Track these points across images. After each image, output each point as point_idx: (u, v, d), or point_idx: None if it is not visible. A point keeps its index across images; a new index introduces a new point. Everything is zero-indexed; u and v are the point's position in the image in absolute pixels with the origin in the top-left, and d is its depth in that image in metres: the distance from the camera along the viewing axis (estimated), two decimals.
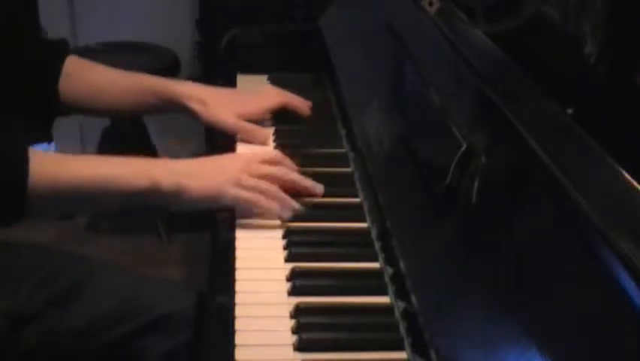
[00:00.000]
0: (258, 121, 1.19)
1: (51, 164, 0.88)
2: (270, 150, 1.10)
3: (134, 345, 1.04)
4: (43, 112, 1.14)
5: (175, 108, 1.16)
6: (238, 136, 1.16)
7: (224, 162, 0.97)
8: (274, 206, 0.93)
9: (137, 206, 0.96)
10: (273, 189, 0.94)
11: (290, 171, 0.99)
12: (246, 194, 0.92)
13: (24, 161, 0.84)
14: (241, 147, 1.14)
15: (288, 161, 1.01)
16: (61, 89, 1.12)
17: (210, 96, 1.15)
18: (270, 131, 1.19)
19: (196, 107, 1.14)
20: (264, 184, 0.93)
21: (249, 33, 1.52)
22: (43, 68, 1.12)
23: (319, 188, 1.00)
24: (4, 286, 1.01)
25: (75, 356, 1.03)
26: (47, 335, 1.01)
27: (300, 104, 1.23)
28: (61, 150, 2.83)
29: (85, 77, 1.14)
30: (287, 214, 0.94)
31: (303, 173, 1.10)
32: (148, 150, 2.44)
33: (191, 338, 1.03)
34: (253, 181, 0.93)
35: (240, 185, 0.92)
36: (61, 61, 1.13)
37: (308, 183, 0.99)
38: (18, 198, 0.84)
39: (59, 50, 1.16)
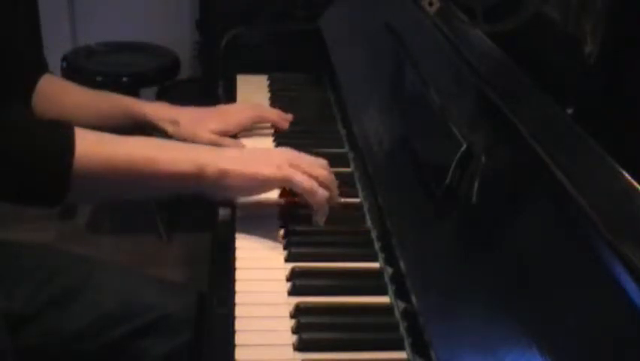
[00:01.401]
0: (234, 135, 1.18)
1: (96, 142, 0.87)
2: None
3: (134, 345, 1.04)
4: None
5: (147, 129, 1.15)
6: None
7: (267, 151, 0.99)
8: (315, 187, 0.91)
9: (184, 195, 0.94)
10: (314, 192, 0.92)
11: (332, 176, 0.96)
12: (283, 171, 0.91)
13: (70, 137, 0.83)
14: None
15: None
16: (34, 108, 1.11)
17: (182, 115, 1.15)
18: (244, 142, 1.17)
19: (169, 127, 1.13)
20: (304, 185, 0.91)
21: (249, 33, 1.52)
22: (16, 84, 1.10)
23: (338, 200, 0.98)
24: (4, 286, 1.01)
25: (75, 356, 1.03)
26: (47, 336, 1.01)
27: (277, 118, 1.22)
28: None
29: (57, 98, 1.13)
30: (324, 203, 0.92)
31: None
32: None
33: (191, 339, 1.03)
34: (293, 178, 0.91)
35: (280, 167, 0.91)
36: (35, 80, 1.12)
37: (336, 196, 0.96)
38: (63, 180, 0.83)
39: (36, 67, 1.14)
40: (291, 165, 0.92)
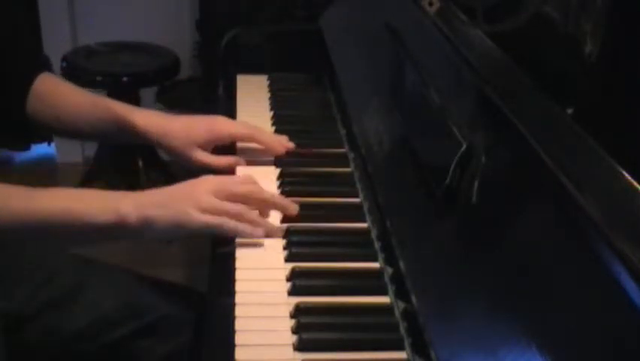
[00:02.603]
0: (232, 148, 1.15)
1: (13, 197, 0.86)
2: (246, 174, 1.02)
3: (134, 346, 1.04)
4: (9, 127, 1.12)
5: (135, 140, 1.12)
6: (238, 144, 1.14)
7: (191, 187, 0.91)
8: (242, 227, 0.89)
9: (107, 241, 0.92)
10: (242, 209, 0.90)
11: (263, 190, 0.95)
12: (210, 218, 0.87)
13: None
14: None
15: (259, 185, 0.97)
16: (29, 107, 1.09)
17: (171, 126, 1.10)
18: (232, 159, 1.12)
19: (157, 139, 1.09)
20: (231, 205, 0.90)
21: (249, 33, 1.52)
22: (12, 82, 1.09)
23: (293, 208, 0.96)
24: (4, 286, 1.01)
25: (75, 357, 1.03)
26: (47, 336, 1.01)
27: (271, 142, 1.14)
28: (61, 149, 2.83)
29: (51, 99, 1.11)
30: (259, 234, 0.90)
31: (304, 174, 1.10)
32: (148, 149, 2.44)
33: (191, 339, 1.03)
34: (219, 203, 0.89)
35: (205, 209, 0.88)
36: (32, 78, 1.10)
37: (283, 202, 0.96)
38: None
39: (33, 66, 1.13)
40: (218, 192, 0.90)
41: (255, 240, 0.90)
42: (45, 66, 1.17)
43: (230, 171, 1.09)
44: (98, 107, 1.12)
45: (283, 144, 1.14)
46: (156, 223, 0.87)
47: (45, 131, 1.14)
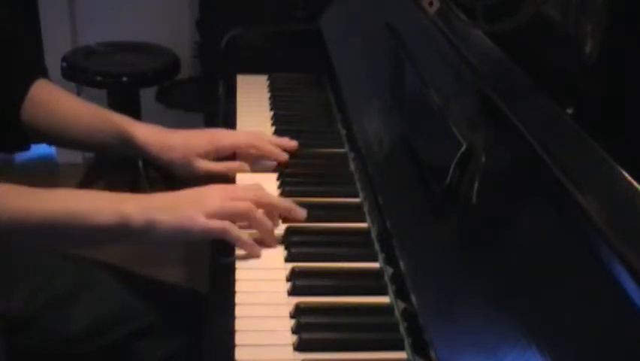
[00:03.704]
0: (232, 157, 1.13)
1: (15, 196, 0.85)
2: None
3: (133, 347, 1.03)
4: (3, 131, 1.10)
5: (134, 152, 1.11)
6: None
7: (198, 192, 0.91)
8: (244, 239, 0.89)
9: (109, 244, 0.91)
10: (249, 206, 0.90)
11: (269, 194, 0.95)
12: (215, 223, 0.87)
13: None
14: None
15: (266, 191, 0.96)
16: (24, 113, 1.08)
17: (173, 140, 1.09)
18: (235, 164, 1.11)
19: (157, 153, 1.09)
20: (238, 204, 0.89)
21: (249, 33, 1.52)
22: (8, 86, 1.07)
23: (301, 212, 0.95)
24: (3, 287, 1.01)
25: (74, 358, 1.03)
26: (46, 337, 1.01)
27: (272, 151, 1.12)
28: (61, 150, 2.83)
29: (48, 106, 1.09)
30: (257, 254, 0.89)
31: (304, 174, 1.10)
32: None
33: (190, 339, 1.03)
34: (226, 206, 0.88)
35: (211, 214, 0.87)
36: (29, 83, 1.09)
37: (290, 206, 0.95)
38: None
39: (31, 72, 1.11)
40: (226, 199, 0.89)
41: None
42: (43, 74, 1.15)
43: (231, 177, 1.08)
44: (99, 117, 1.11)
45: (287, 146, 1.13)
46: (160, 227, 0.86)
47: (39, 138, 1.13)
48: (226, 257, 0.91)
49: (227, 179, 1.08)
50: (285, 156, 1.12)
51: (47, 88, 1.12)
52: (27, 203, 0.85)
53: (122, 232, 0.86)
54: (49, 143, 1.16)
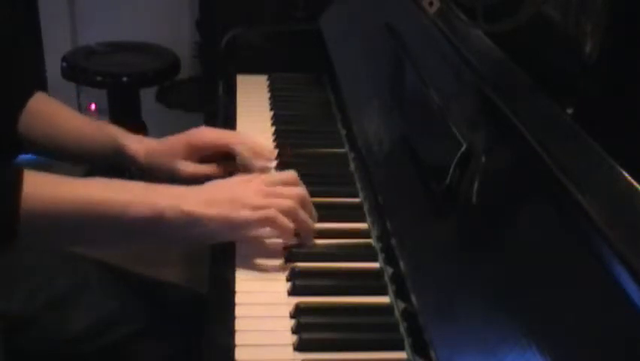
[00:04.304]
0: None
1: (45, 185, 0.81)
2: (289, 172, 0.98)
3: (134, 347, 1.04)
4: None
5: (125, 164, 1.12)
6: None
7: (236, 186, 0.88)
8: (291, 230, 0.87)
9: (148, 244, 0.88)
10: (294, 211, 0.87)
11: (308, 197, 0.91)
12: (261, 212, 0.84)
13: (17, 182, 0.78)
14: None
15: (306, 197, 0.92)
16: (22, 124, 1.08)
17: (155, 145, 1.10)
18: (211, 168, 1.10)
19: (143, 160, 1.10)
20: (283, 201, 0.87)
21: (249, 33, 1.52)
22: (5, 100, 1.07)
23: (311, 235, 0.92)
24: (3, 287, 1.01)
25: (75, 358, 1.03)
26: (46, 338, 1.01)
27: (247, 158, 1.08)
28: None
29: (47, 119, 1.10)
30: (309, 240, 0.90)
31: (304, 174, 1.10)
32: None
33: (190, 339, 1.03)
34: (272, 204, 0.86)
35: (253, 207, 0.84)
36: (26, 97, 1.08)
37: (313, 223, 0.91)
38: (10, 220, 0.77)
39: (30, 83, 1.12)
40: (269, 195, 0.87)
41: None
42: (42, 85, 1.16)
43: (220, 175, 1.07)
44: (96, 129, 1.12)
45: (262, 154, 1.10)
46: (204, 223, 0.82)
47: (35, 150, 1.13)
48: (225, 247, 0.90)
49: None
50: (258, 166, 1.08)
51: (46, 101, 1.12)
52: (55, 190, 0.80)
53: (155, 225, 0.81)
54: (45, 155, 1.16)
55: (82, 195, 0.81)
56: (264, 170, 1.08)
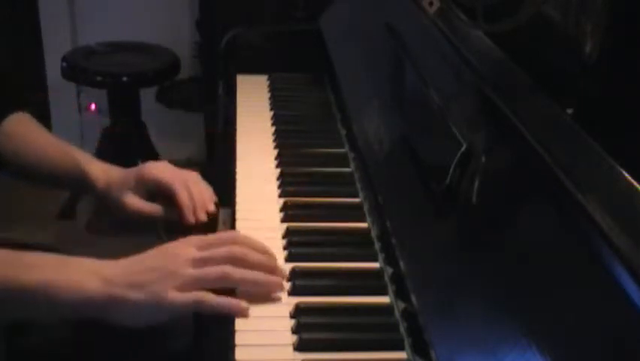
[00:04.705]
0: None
1: None
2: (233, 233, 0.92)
3: (134, 347, 1.03)
4: None
5: (85, 190, 1.11)
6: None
7: (165, 260, 0.80)
8: (226, 303, 0.78)
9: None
10: (227, 271, 0.79)
11: (251, 251, 0.82)
12: (189, 297, 0.77)
13: None
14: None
15: (245, 238, 0.85)
16: None
17: (113, 175, 1.09)
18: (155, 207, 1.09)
19: (103, 190, 1.08)
20: (213, 269, 0.79)
21: (249, 33, 1.52)
22: None
23: (282, 275, 0.84)
24: None
25: (75, 358, 1.03)
26: (47, 338, 1.01)
27: (187, 207, 1.05)
28: None
29: (22, 140, 1.10)
30: (244, 313, 0.79)
31: (304, 173, 1.10)
32: (148, 149, 2.44)
33: (191, 339, 1.03)
34: (198, 273, 0.78)
35: (184, 285, 0.78)
36: (1, 117, 1.09)
37: (274, 263, 0.84)
38: None
39: (5, 106, 1.12)
40: (188, 262, 0.79)
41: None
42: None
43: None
44: (66, 154, 1.11)
45: (203, 208, 1.05)
46: (124, 305, 0.77)
47: (6, 170, 1.13)
48: None
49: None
50: (193, 220, 1.04)
51: (23, 121, 1.13)
52: None
53: (85, 308, 0.78)
54: (17, 176, 1.15)
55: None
56: (197, 223, 1.04)
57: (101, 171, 1.10)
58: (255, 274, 0.81)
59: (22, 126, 1.13)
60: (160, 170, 1.09)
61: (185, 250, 0.81)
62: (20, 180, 1.17)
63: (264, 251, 0.84)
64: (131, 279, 0.78)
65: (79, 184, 1.11)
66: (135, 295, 0.77)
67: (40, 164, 1.11)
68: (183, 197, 1.05)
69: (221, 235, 0.90)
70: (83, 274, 0.79)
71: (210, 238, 0.85)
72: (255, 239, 0.85)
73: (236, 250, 0.82)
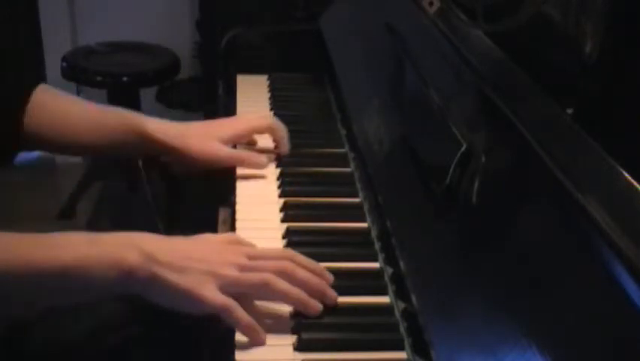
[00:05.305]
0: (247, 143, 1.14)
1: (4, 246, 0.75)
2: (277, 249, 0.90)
3: (134, 347, 1.03)
4: (2, 145, 1.06)
5: (144, 148, 1.07)
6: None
7: (209, 252, 0.79)
8: (251, 325, 0.75)
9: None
10: (269, 285, 0.76)
11: (301, 269, 0.79)
12: (218, 299, 0.74)
13: None
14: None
15: (299, 257, 0.81)
16: (27, 122, 1.03)
17: (190, 128, 1.07)
18: (266, 158, 1.10)
19: (176, 142, 1.05)
20: (256, 281, 0.76)
21: (249, 33, 1.52)
22: (6, 95, 1.04)
23: (331, 298, 0.80)
24: None
25: (75, 359, 1.03)
26: (48, 340, 1.01)
27: (285, 143, 1.13)
28: None
29: (54, 112, 1.05)
30: (260, 342, 0.75)
31: (304, 173, 1.10)
32: None
33: (190, 339, 1.03)
34: (240, 275, 0.76)
35: (222, 285, 0.76)
36: (29, 91, 1.04)
37: (323, 287, 0.80)
38: None
39: (30, 78, 1.08)
40: (244, 269, 0.77)
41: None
42: (42, 81, 1.12)
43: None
44: (112, 116, 1.07)
45: (285, 141, 1.14)
46: (160, 285, 0.75)
47: (43, 145, 1.10)
48: None
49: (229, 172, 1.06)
50: (285, 149, 1.13)
51: (50, 92, 1.08)
52: (14, 254, 0.76)
53: (125, 283, 0.75)
54: (54, 150, 1.10)
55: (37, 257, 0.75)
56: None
57: (165, 124, 1.07)
58: (297, 291, 0.77)
59: (53, 97, 1.07)
60: (249, 118, 1.15)
61: (236, 257, 0.79)
62: (58, 153, 1.12)
63: (320, 273, 0.81)
64: (175, 261, 0.76)
65: (136, 143, 1.06)
66: (174, 277, 0.74)
67: (85, 133, 1.06)
68: (281, 135, 1.13)
69: (277, 251, 0.86)
70: (120, 247, 0.75)
71: (264, 251, 0.83)
72: (313, 261, 0.82)
73: (287, 264, 0.79)
